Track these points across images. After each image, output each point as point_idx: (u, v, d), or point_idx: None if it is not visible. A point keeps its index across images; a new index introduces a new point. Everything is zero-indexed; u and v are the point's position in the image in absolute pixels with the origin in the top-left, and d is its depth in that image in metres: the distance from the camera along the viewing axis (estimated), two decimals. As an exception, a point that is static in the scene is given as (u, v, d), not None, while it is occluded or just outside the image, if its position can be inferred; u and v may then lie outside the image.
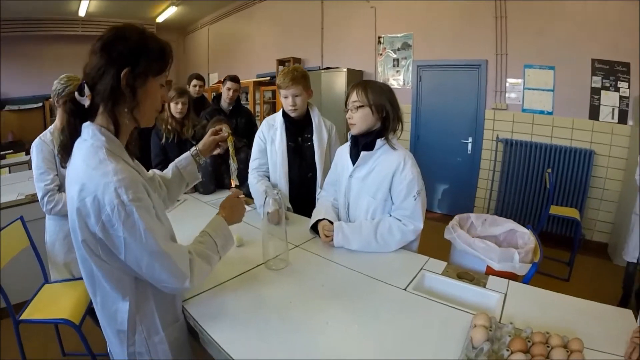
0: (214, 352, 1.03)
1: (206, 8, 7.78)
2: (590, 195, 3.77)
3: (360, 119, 1.54)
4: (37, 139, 1.90)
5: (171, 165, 1.40)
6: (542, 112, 3.95)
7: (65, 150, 0.95)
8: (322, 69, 5.44)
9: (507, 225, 1.67)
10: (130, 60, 0.88)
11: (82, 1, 6.08)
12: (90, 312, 1.72)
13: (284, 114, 2.08)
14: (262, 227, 1.46)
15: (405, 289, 1.25)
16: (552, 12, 3.74)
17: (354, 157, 1.64)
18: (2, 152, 5.53)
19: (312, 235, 1.71)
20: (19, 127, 6.87)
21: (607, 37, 3.49)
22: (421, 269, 1.38)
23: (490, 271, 1.39)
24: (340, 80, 5.04)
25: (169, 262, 0.92)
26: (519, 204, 4.14)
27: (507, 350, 0.84)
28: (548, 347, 0.87)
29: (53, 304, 1.76)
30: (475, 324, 0.94)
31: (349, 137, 1.69)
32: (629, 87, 3.47)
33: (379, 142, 1.56)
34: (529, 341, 0.88)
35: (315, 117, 2.11)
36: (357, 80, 4.09)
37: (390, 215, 1.57)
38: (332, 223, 1.61)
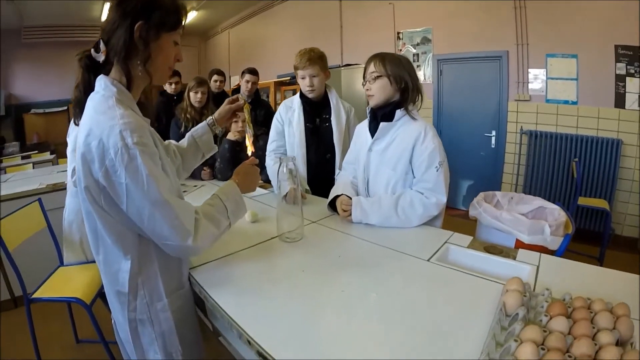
0: (218, 319, 0.98)
1: (226, 12, 7.92)
2: (618, 188, 3.57)
3: (378, 90, 1.50)
4: None
5: (187, 135, 1.39)
6: (566, 102, 3.79)
7: (78, 106, 0.96)
8: (342, 66, 5.42)
9: (535, 202, 1.58)
10: (143, 13, 0.90)
11: (104, 7, 6.24)
12: (102, 296, 1.71)
13: (302, 96, 2.07)
14: (277, 203, 1.41)
15: (428, 260, 1.17)
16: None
17: (373, 131, 1.59)
18: (27, 153, 5.70)
19: (329, 213, 1.65)
20: (44, 130, 7.14)
21: (630, 22, 3.31)
22: (445, 242, 1.30)
23: (519, 245, 1.30)
24: (360, 76, 4.97)
25: (172, 213, 0.87)
26: (546, 196, 3.95)
27: (546, 315, 0.75)
28: (591, 312, 0.78)
29: (65, 284, 1.76)
30: (507, 290, 0.86)
31: (367, 111, 1.65)
32: (655, 74, 3.30)
33: (398, 112, 1.52)
34: (569, 307, 0.80)
35: (334, 99, 2.10)
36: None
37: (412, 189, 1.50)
38: (350, 199, 1.55)
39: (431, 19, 4.74)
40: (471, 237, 1.35)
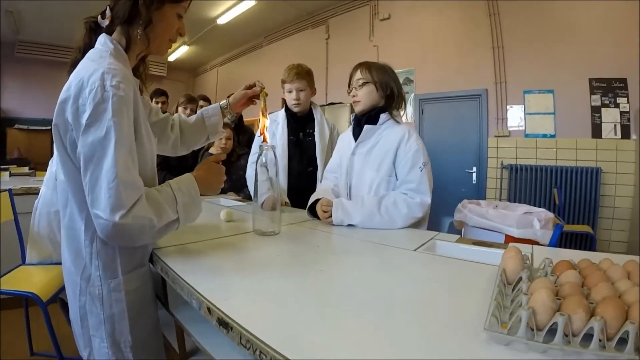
0: (180, 308, 0.86)
1: (216, 50, 8.17)
2: (601, 215, 3.62)
3: (364, 96, 1.51)
4: None
5: (198, 112, 1.33)
6: (544, 136, 3.92)
7: (74, 66, 0.91)
8: (326, 105, 5.55)
9: (520, 209, 1.53)
10: None
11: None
12: (63, 304, 1.59)
13: (287, 109, 2.07)
14: (253, 205, 1.30)
15: (414, 250, 1.07)
16: (546, 38, 3.84)
17: (358, 136, 1.57)
18: (6, 165, 5.45)
19: (309, 218, 1.55)
20: (26, 146, 6.99)
21: (602, 56, 3.55)
22: (432, 238, 1.21)
23: (509, 241, 1.22)
24: (344, 115, 5.14)
25: (112, 174, 0.75)
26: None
27: (553, 275, 0.66)
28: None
29: (23, 281, 1.63)
30: (505, 258, 0.77)
31: (351, 119, 1.64)
32: (628, 102, 3.48)
33: (382, 116, 1.52)
34: (576, 269, 0.71)
35: (318, 114, 2.13)
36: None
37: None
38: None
39: (413, 60, 4.94)
40: (458, 236, 1.27)
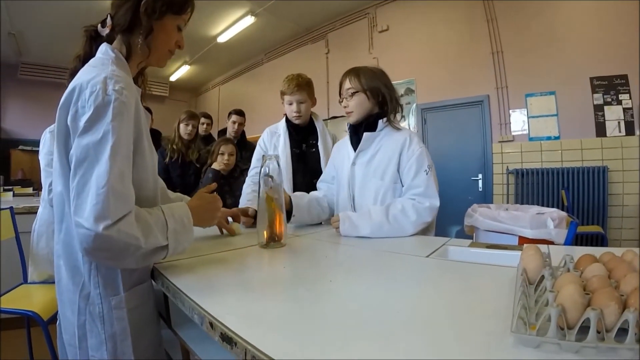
0: (186, 311, 0.81)
1: (217, 69, 8.28)
2: (610, 215, 3.56)
3: (356, 106, 1.48)
4: (52, 126, 1.85)
5: (178, 194, 1.32)
6: (549, 138, 3.89)
7: (74, 76, 0.88)
8: (329, 119, 5.57)
9: (532, 210, 1.48)
10: None
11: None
12: None
13: (287, 121, 2.04)
14: (258, 215, 1.26)
15: (427, 257, 1.03)
16: (545, 40, 3.85)
17: (356, 145, 1.54)
18: (10, 187, 5.49)
19: (315, 230, 1.51)
20: (29, 167, 7.04)
21: (601, 54, 3.55)
22: (443, 244, 1.17)
23: (523, 242, 1.18)
24: (345, 127, 5.10)
25: (105, 177, 0.71)
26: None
27: (576, 270, 0.63)
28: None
29: (24, 300, 1.63)
30: (524, 257, 0.72)
31: (347, 127, 1.61)
32: (630, 98, 3.46)
33: (380, 123, 1.48)
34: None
35: (320, 125, 2.09)
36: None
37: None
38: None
39: (413, 70, 4.96)
40: (470, 241, 1.23)
